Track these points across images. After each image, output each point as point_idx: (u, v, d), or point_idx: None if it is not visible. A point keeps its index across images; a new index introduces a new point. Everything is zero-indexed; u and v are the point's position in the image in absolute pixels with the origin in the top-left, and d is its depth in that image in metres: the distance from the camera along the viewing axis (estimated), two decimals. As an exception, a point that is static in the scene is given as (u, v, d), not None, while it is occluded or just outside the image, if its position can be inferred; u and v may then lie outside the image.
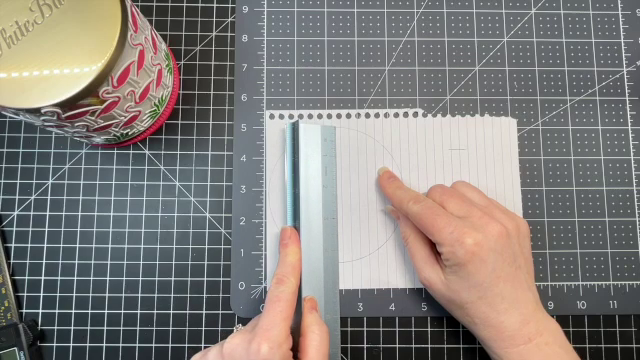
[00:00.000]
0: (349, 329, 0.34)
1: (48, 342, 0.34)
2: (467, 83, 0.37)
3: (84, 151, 0.36)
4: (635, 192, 0.36)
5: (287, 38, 0.37)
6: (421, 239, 0.32)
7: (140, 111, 0.31)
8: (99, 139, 0.32)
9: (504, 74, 0.37)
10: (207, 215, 0.35)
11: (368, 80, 0.37)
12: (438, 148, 0.36)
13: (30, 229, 0.35)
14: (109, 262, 0.35)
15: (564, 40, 0.37)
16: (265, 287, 0.35)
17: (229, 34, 0.37)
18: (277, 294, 0.29)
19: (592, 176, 0.36)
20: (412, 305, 0.35)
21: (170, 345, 0.34)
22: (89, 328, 0.34)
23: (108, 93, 0.26)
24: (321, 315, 0.31)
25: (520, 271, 0.29)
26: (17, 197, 0.35)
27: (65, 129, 0.28)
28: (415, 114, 0.36)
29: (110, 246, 0.35)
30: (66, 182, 0.35)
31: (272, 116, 0.36)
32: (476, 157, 0.36)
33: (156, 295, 0.35)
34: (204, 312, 0.34)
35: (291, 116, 0.36)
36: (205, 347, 0.33)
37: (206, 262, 0.35)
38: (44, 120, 0.25)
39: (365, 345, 0.34)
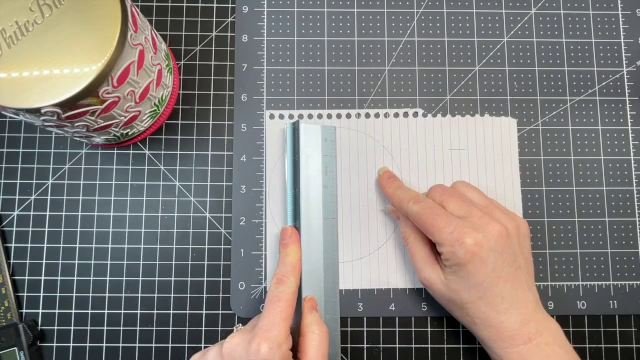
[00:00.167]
0: (349, 329, 0.34)
1: (48, 342, 0.34)
2: (467, 83, 0.37)
3: (84, 151, 0.36)
4: (635, 192, 0.36)
5: (287, 38, 0.37)
6: (421, 239, 0.32)
7: (140, 111, 0.31)
8: (99, 139, 0.32)
9: (504, 74, 0.37)
10: (207, 215, 0.35)
11: (368, 80, 0.37)
12: (438, 148, 0.36)
13: (30, 229, 0.35)
14: (109, 262, 0.35)
15: (564, 40, 0.37)
16: (265, 287, 0.35)
17: (229, 34, 0.37)
18: (277, 294, 0.29)
19: (592, 176, 0.36)
20: (412, 305, 0.35)
21: (170, 345, 0.34)
22: (89, 328, 0.34)
23: (108, 93, 0.26)
24: (321, 315, 0.31)
25: (520, 271, 0.29)
26: (17, 197, 0.35)
27: (65, 129, 0.28)
28: (415, 114, 0.36)
29: (110, 246, 0.35)
30: (66, 182, 0.35)
31: (272, 116, 0.36)
32: (476, 157, 0.36)
33: (156, 295, 0.35)
34: (204, 312, 0.34)
35: (291, 116, 0.36)
36: (205, 347, 0.33)
37: (206, 262, 0.35)
38: (44, 120, 0.25)
39: (365, 345, 0.34)
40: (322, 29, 0.37)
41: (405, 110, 0.36)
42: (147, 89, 0.30)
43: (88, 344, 0.34)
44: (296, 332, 0.29)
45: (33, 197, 0.35)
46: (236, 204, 0.35)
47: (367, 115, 0.36)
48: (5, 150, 0.36)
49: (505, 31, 0.37)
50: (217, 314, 0.35)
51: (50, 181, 0.35)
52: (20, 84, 0.24)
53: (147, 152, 0.36)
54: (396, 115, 0.36)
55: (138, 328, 0.34)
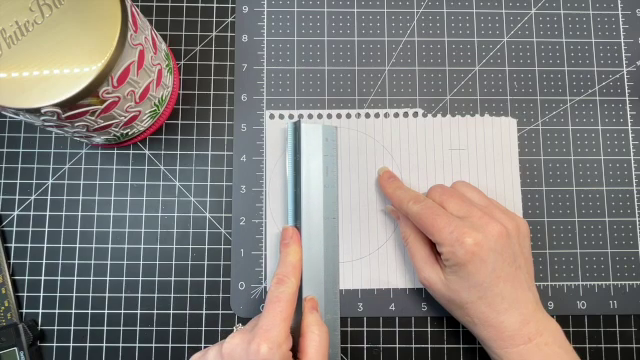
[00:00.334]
0: (349, 329, 0.34)
1: (48, 342, 0.34)
2: (467, 83, 0.37)
3: (84, 151, 0.36)
4: (635, 192, 0.36)
5: (287, 38, 0.37)
6: (421, 239, 0.32)
7: (140, 111, 0.31)
8: (99, 139, 0.32)
9: (504, 74, 0.37)
10: (207, 215, 0.35)
11: (368, 80, 0.37)
12: (438, 148, 0.36)
13: (30, 229, 0.35)
14: (109, 262, 0.35)
15: (564, 40, 0.37)
16: (265, 287, 0.34)
17: (229, 34, 0.37)
18: (277, 294, 0.29)
19: (592, 176, 0.36)
20: (412, 305, 0.35)
21: (170, 345, 0.34)
22: (89, 328, 0.34)
23: (108, 93, 0.26)
24: (321, 315, 0.31)
25: (520, 271, 0.29)
26: (17, 197, 0.35)
27: (65, 129, 0.28)
28: (415, 114, 0.36)
29: (110, 246, 0.35)
30: (66, 182, 0.35)
31: (272, 116, 0.36)
32: (476, 157, 0.36)
33: (156, 295, 0.35)
34: (204, 312, 0.34)
35: (291, 116, 0.36)
36: (205, 347, 0.33)
37: (206, 262, 0.35)
38: (44, 120, 0.25)
39: (365, 345, 0.34)
40: (322, 29, 0.37)
41: (405, 110, 0.36)
42: (147, 89, 0.30)
43: (88, 344, 0.34)
44: (296, 332, 0.29)
45: (33, 197, 0.35)
46: (236, 204, 0.35)
47: (367, 115, 0.36)
48: (5, 150, 0.36)
49: (505, 31, 0.37)
50: (217, 314, 0.35)
51: (50, 181, 0.35)
52: (20, 84, 0.24)
53: (147, 152, 0.36)
54: (396, 115, 0.36)
55: (138, 328, 0.34)
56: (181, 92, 0.37)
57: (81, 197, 0.35)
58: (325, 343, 0.28)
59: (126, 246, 0.35)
